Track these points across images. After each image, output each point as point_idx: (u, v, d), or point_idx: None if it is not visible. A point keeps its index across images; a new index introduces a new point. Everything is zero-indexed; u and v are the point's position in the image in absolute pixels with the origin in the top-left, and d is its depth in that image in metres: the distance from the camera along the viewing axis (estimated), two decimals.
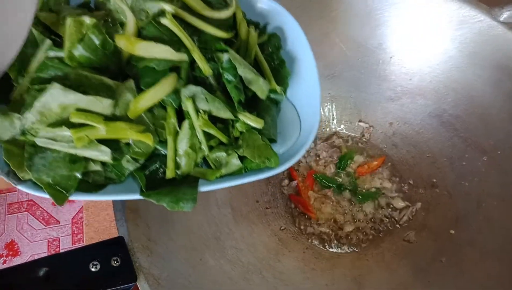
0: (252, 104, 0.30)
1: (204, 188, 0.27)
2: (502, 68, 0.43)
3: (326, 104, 0.55)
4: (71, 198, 0.25)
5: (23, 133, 0.24)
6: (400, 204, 0.51)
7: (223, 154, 0.28)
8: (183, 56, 0.26)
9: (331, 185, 0.52)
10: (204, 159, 0.29)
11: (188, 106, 0.27)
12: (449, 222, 0.46)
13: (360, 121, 0.55)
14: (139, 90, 0.26)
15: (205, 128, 0.27)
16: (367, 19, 0.48)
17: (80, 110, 0.24)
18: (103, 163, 0.26)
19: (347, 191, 0.52)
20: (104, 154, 0.25)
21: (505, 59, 0.43)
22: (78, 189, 0.25)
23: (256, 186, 0.51)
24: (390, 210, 0.51)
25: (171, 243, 0.39)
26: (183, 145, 0.27)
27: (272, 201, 0.52)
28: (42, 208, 0.58)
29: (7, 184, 0.25)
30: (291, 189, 0.53)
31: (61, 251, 0.55)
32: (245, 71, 0.28)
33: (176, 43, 0.26)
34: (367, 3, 0.47)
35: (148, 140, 0.25)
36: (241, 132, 0.29)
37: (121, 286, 0.32)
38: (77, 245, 0.55)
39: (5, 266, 0.54)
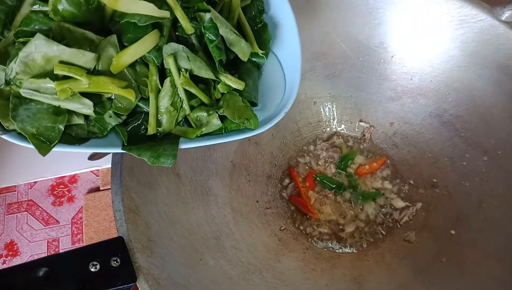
0: (234, 66, 0.31)
1: (184, 145, 0.28)
2: (504, 68, 0.43)
3: (326, 104, 0.55)
4: (55, 149, 0.26)
5: (8, 83, 0.24)
6: (400, 204, 0.50)
7: (204, 113, 0.29)
8: (165, 13, 0.26)
9: (331, 185, 0.52)
10: (186, 118, 0.30)
11: (169, 64, 0.27)
12: (450, 222, 0.46)
13: (360, 121, 0.55)
14: (122, 46, 0.26)
15: (186, 87, 0.28)
16: (368, 18, 0.48)
17: (63, 63, 0.24)
18: (86, 117, 0.27)
19: (348, 191, 0.52)
20: (86, 107, 0.25)
21: (506, 59, 0.42)
22: (61, 141, 0.26)
23: (256, 186, 0.51)
24: (390, 210, 0.51)
25: (171, 243, 0.38)
26: (164, 102, 0.28)
27: (272, 201, 0.52)
28: (41, 208, 0.58)
29: None
30: (291, 189, 0.53)
31: (61, 251, 0.55)
32: (227, 32, 0.28)
33: (158, 1, 0.27)
34: (368, 2, 0.47)
35: (130, 96, 0.26)
36: (222, 94, 0.29)
37: (121, 286, 0.31)
38: (77, 245, 0.55)
39: (5, 266, 0.54)
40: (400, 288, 0.42)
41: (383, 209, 0.51)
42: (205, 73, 0.28)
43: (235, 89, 0.29)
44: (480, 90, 0.46)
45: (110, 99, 0.27)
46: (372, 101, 0.54)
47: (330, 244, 0.49)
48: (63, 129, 0.25)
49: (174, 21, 0.28)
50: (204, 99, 0.29)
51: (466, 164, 0.47)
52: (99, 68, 0.25)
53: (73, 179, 0.59)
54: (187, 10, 0.28)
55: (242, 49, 0.29)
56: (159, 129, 0.28)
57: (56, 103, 0.25)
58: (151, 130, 0.28)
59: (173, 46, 0.27)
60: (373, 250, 0.48)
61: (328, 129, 0.56)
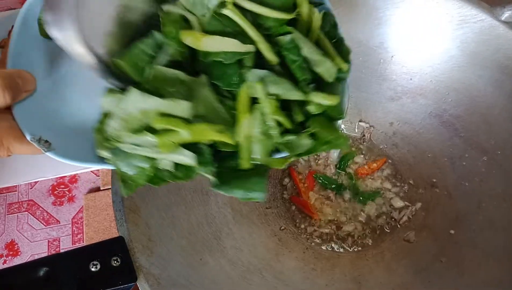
0: (317, 87, 0.29)
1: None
2: (503, 68, 0.43)
3: None
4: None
5: (107, 139, 0.25)
6: (399, 204, 0.51)
7: (293, 137, 0.27)
8: (250, 48, 0.26)
9: (331, 185, 0.52)
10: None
11: (258, 91, 0.26)
12: (449, 222, 0.46)
13: (360, 121, 0.55)
14: (212, 85, 0.26)
15: (276, 116, 0.26)
16: (368, 18, 0.48)
17: (161, 114, 0.24)
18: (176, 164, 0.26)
19: (347, 191, 0.52)
20: (188, 158, 0.25)
21: (506, 59, 0.42)
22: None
23: None
24: (390, 210, 0.51)
25: (171, 243, 0.39)
26: (255, 132, 0.26)
27: (272, 201, 0.52)
28: (42, 208, 0.58)
29: (33, 149, 0.26)
30: (291, 189, 0.53)
31: (61, 251, 0.55)
32: (311, 52, 0.27)
33: (240, 34, 0.26)
34: (368, 2, 0.47)
35: (228, 140, 0.25)
36: (306, 118, 0.28)
37: (121, 286, 0.32)
38: (77, 245, 0.55)
39: (5, 266, 0.54)
40: (400, 287, 0.42)
41: (382, 209, 0.51)
42: (294, 94, 0.26)
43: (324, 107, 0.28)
44: (480, 90, 0.46)
45: (208, 145, 0.26)
46: (372, 101, 0.54)
47: (330, 244, 0.49)
48: (151, 175, 0.26)
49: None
50: (289, 125, 0.27)
51: (466, 164, 0.47)
52: (196, 113, 0.25)
53: (74, 179, 0.59)
54: (267, 37, 0.27)
55: (328, 69, 0.27)
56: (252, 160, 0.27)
57: (157, 156, 0.25)
58: (245, 164, 0.26)
59: (258, 72, 0.26)
60: (373, 250, 0.48)
61: None
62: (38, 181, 0.59)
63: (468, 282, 0.40)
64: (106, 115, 0.25)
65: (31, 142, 0.25)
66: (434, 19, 0.46)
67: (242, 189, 0.27)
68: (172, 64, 0.26)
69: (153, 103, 0.24)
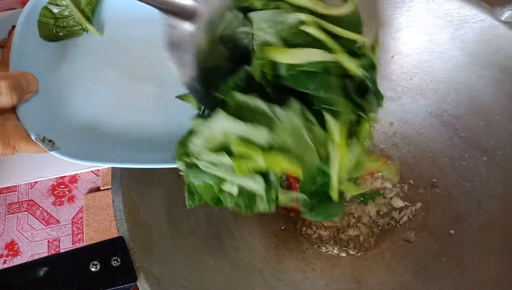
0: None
1: None
2: (504, 68, 0.43)
3: None
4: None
5: (188, 155, 0.26)
6: (399, 204, 0.51)
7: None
8: (334, 57, 0.26)
9: None
10: None
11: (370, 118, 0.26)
12: (449, 222, 0.46)
13: None
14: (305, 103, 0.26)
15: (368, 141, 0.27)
16: (368, 18, 0.48)
17: (241, 139, 0.25)
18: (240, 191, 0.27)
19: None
20: (258, 185, 0.26)
21: (506, 59, 0.42)
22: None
23: None
24: (390, 210, 0.51)
25: (171, 243, 0.39)
26: (352, 162, 0.26)
27: None
28: (42, 208, 0.58)
29: (38, 148, 0.27)
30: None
31: (61, 251, 0.55)
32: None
33: (319, 48, 0.26)
34: (368, 2, 0.47)
35: (299, 173, 0.25)
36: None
37: (121, 286, 0.32)
38: (77, 245, 0.55)
39: (5, 266, 0.54)
40: (400, 287, 0.43)
41: (382, 209, 0.51)
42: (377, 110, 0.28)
43: None
44: (480, 90, 0.46)
45: (279, 177, 0.26)
46: None
47: (330, 244, 0.49)
48: (216, 195, 0.27)
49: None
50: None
51: (466, 164, 0.47)
52: (278, 140, 0.25)
53: (74, 179, 0.59)
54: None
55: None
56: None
57: (228, 178, 0.25)
58: (336, 196, 0.26)
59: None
60: (373, 250, 0.48)
61: None
62: (38, 181, 0.59)
63: (468, 282, 0.40)
64: (191, 133, 0.27)
65: (35, 141, 0.26)
66: (434, 19, 0.46)
67: (324, 214, 0.28)
68: (258, 94, 0.26)
69: (237, 127, 0.25)
